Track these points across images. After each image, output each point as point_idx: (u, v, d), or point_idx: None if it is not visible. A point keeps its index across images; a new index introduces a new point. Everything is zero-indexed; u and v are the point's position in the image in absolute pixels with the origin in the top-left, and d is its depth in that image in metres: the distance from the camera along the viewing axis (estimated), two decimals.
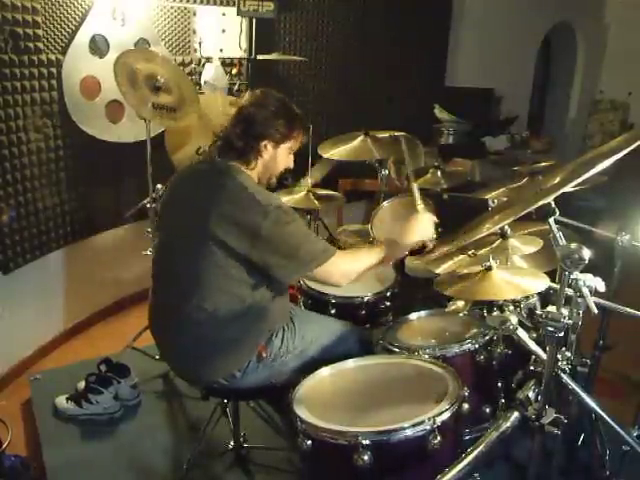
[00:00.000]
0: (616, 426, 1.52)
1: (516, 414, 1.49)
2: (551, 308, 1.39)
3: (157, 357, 2.69)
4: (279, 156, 1.86)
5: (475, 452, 1.39)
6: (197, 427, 2.34)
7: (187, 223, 1.79)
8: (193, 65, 3.39)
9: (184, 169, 2.00)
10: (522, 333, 1.52)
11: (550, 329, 1.37)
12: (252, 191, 1.71)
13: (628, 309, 1.69)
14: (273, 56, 3.56)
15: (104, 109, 2.98)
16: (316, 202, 2.72)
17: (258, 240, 1.66)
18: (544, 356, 1.46)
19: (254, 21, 3.40)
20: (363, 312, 2.23)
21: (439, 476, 1.31)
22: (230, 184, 1.73)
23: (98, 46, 2.90)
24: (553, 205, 1.37)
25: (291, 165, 1.93)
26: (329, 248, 1.77)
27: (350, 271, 1.82)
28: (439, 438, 1.39)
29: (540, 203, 1.35)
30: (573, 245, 1.32)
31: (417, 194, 2.15)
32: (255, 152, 1.80)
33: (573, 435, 1.99)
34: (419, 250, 1.97)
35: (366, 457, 1.36)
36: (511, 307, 1.66)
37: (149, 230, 2.83)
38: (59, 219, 2.96)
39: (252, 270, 1.72)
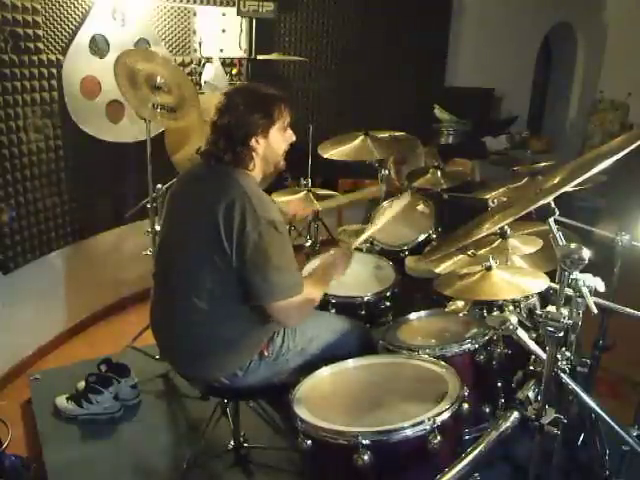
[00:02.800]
0: (616, 426, 1.52)
1: (516, 414, 1.49)
2: (551, 308, 1.39)
3: (157, 357, 2.69)
4: (273, 141, 1.81)
5: (475, 452, 1.39)
6: (197, 427, 2.34)
7: (189, 226, 1.78)
8: (193, 65, 3.39)
9: (186, 173, 1.99)
10: (522, 333, 1.52)
11: (550, 329, 1.37)
12: (250, 195, 1.69)
13: (628, 309, 1.69)
14: (273, 56, 3.56)
15: (104, 109, 2.98)
16: (316, 202, 2.72)
17: (241, 249, 1.65)
18: (544, 356, 1.46)
19: (254, 21, 3.40)
20: (363, 312, 2.23)
21: (439, 476, 1.31)
22: (230, 187, 1.71)
23: (98, 46, 2.90)
24: (553, 205, 1.38)
25: (293, 139, 1.88)
26: (299, 284, 1.73)
27: (297, 315, 1.79)
28: (439, 438, 1.40)
29: (540, 203, 1.35)
30: (573, 245, 1.33)
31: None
32: (248, 154, 1.77)
33: (573, 435, 1.99)
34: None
35: (366, 457, 1.36)
36: (511, 307, 1.67)
37: (149, 230, 2.83)
38: (59, 219, 2.96)
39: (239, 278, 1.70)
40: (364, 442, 1.37)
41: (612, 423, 1.52)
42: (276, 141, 1.82)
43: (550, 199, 1.35)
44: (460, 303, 1.87)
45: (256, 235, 1.64)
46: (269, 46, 3.63)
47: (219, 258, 1.68)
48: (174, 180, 2.07)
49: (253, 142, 1.77)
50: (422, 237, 2.51)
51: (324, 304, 2.24)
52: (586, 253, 1.31)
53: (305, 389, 1.64)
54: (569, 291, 1.42)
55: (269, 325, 1.81)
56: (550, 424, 1.42)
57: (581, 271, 1.37)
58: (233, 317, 1.74)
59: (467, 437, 1.74)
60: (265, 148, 1.80)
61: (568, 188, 1.31)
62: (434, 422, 1.40)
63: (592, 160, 1.35)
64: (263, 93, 1.81)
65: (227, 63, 3.50)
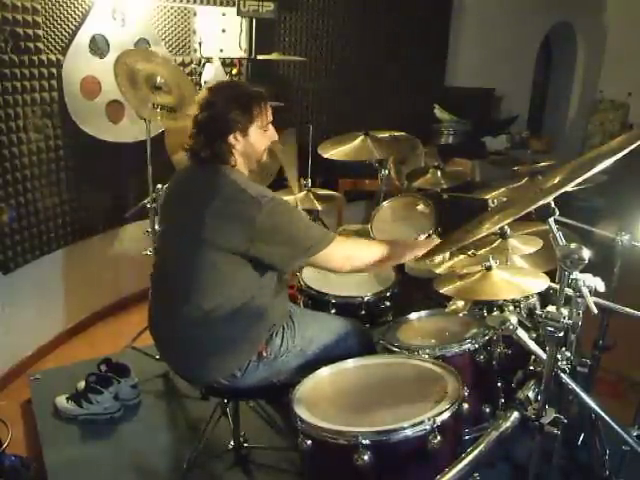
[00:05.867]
0: (616, 426, 1.52)
1: (516, 414, 1.49)
2: (551, 308, 1.39)
3: (157, 357, 2.69)
4: (253, 139, 1.80)
5: (475, 452, 1.38)
6: (197, 427, 2.34)
7: (183, 225, 1.78)
8: (193, 65, 3.39)
9: (179, 171, 2.01)
10: (522, 333, 1.52)
11: (550, 329, 1.37)
12: (244, 186, 1.71)
13: (628, 309, 1.69)
14: (273, 56, 3.56)
15: (104, 109, 2.98)
16: (316, 202, 2.72)
17: (255, 233, 1.66)
18: (544, 356, 1.46)
19: (254, 21, 3.40)
20: (363, 312, 2.23)
21: (439, 476, 1.31)
22: (221, 182, 1.73)
23: (98, 46, 2.90)
24: (553, 205, 1.37)
25: (275, 137, 1.88)
26: (328, 233, 1.77)
27: (351, 256, 1.81)
28: (439, 438, 1.39)
29: (540, 203, 1.35)
30: (573, 245, 1.33)
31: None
32: (227, 150, 1.77)
33: (573, 435, 1.99)
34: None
35: (366, 457, 1.36)
36: (511, 307, 1.66)
37: (149, 230, 2.83)
38: (59, 219, 2.96)
39: (256, 265, 1.72)
40: (364, 442, 1.37)
41: (612, 423, 1.52)
42: (256, 139, 1.82)
43: (550, 199, 1.35)
44: (460, 303, 1.87)
45: (264, 216, 1.65)
46: (269, 46, 3.63)
47: (221, 256, 1.68)
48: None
49: (231, 139, 1.77)
50: (422, 237, 2.50)
51: (324, 304, 2.24)
52: (586, 253, 1.31)
53: (305, 389, 1.64)
54: (569, 291, 1.42)
55: (267, 325, 1.81)
56: (550, 424, 1.42)
57: (581, 271, 1.37)
58: (232, 317, 1.74)
59: (467, 437, 1.74)
60: (244, 145, 1.80)
61: (568, 188, 1.31)
62: (434, 422, 1.40)
63: (592, 160, 1.35)
64: (243, 91, 1.82)
65: (227, 63, 3.50)
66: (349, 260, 1.81)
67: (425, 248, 1.85)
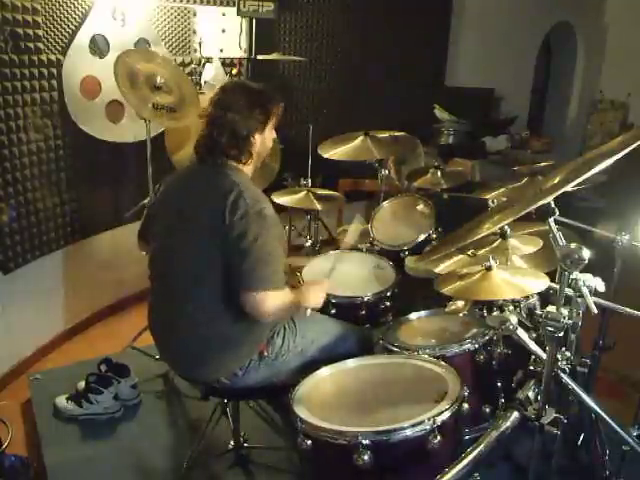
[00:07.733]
0: (616, 426, 1.52)
1: (516, 414, 1.49)
2: (551, 308, 1.40)
3: (157, 357, 2.69)
4: (266, 138, 1.86)
5: (475, 452, 1.39)
6: (197, 427, 2.34)
7: (185, 224, 1.78)
8: (193, 65, 3.39)
9: (178, 171, 2.00)
10: (522, 333, 1.52)
11: (550, 329, 1.37)
12: (243, 188, 1.71)
13: (628, 309, 1.69)
14: (273, 56, 3.56)
15: (104, 109, 2.98)
16: (316, 202, 2.72)
17: (229, 237, 1.66)
18: (544, 356, 1.46)
19: (254, 21, 3.41)
20: (363, 312, 2.23)
21: (439, 476, 1.31)
22: (225, 184, 1.73)
23: (98, 46, 2.90)
24: (553, 205, 1.38)
25: (274, 136, 1.91)
26: (282, 280, 1.72)
27: (277, 312, 1.71)
28: (439, 438, 1.40)
29: (540, 203, 1.35)
30: (573, 245, 1.33)
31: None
32: (249, 149, 1.80)
33: (573, 435, 1.99)
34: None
35: (366, 457, 1.36)
36: (511, 307, 1.67)
37: None
38: (59, 219, 2.96)
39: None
40: (364, 442, 1.37)
41: (612, 423, 1.52)
42: (268, 137, 1.87)
43: (550, 199, 1.35)
44: (460, 303, 1.87)
45: (244, 224, 1.65)
46: (269, 46, 3.63)
47: (220, 255, 1.68)
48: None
49: (252, 138, 1.79)
50: (422, 237, 2.51)
51: (324, 304, 2.24)
52: (586, 253, 1.31)
53: (305, 389, 1.64)
54: (569, 291, 1.42)
55: (269, 325, 1.81)
56: (550, 424, 1.42)
57: (581, 271, 1.37)
58: (234, 316, 1.73)
59: (467, 437, 1.74)
60: (261, 143, 1.83)
61: (568, 188, 1.31)
62: (434, 422, 1.40)
63: (592, 160, 1.35)
64: (260, 90, 1.84)
65: (227, 63, 3.50)
66: (273, 315, 1.71)
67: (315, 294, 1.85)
